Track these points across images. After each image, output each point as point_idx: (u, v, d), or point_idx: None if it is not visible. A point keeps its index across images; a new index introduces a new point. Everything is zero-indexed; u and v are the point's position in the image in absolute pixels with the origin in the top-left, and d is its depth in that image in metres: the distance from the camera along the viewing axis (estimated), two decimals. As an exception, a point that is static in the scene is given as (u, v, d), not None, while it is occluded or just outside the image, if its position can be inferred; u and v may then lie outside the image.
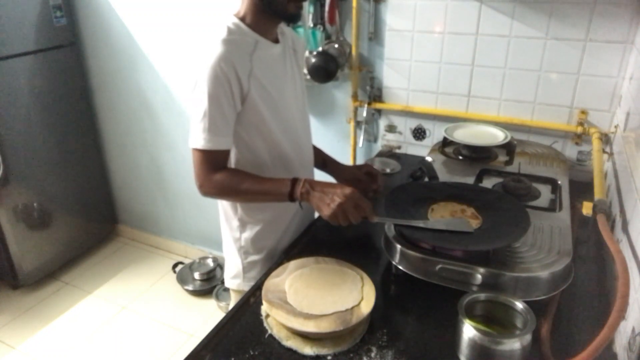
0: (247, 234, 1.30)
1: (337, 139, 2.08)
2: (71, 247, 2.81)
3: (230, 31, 1.11)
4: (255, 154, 1.20)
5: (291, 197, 1.12)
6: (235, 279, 1.36)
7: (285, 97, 1.22)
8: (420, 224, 1.08)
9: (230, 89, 1.08)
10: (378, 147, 2.00)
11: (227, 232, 1.34)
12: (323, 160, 1.45)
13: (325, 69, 1.81)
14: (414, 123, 1.89)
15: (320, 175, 1.39)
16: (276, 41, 1.21)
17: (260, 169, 1.21)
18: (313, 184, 1.11)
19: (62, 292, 2.63)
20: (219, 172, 1.13)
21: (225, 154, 1.15)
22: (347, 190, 1.08)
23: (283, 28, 1.26)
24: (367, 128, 1.98)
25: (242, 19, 1.15)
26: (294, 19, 1.16)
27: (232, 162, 1.21)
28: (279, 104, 1.20)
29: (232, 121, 1.13)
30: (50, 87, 2.50)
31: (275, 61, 1.20)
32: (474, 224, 1.07)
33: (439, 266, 1.01)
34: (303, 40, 1.65)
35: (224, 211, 1.32)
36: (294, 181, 1.12)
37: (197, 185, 1.15)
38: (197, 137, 1.10)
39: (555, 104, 1.61)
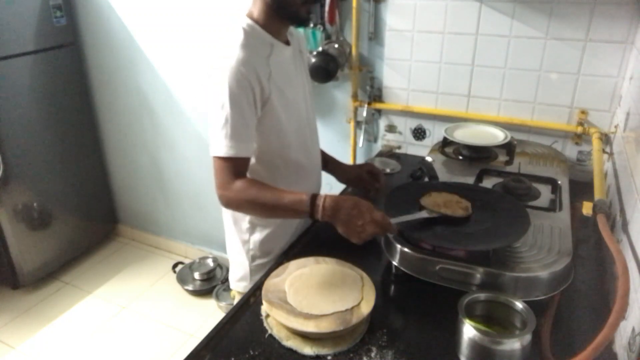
0: (257, 236, 1.28)
1: (337, 139, 2.08)
2: (71, 247, 2.81)
3: (246, 34, 1.10)
4: (267, 156, 1.19)
5: (312, 217, 1.06)
6: (241, 282, 1.35)
7: (297, 100, 1.22)
8: (425, 214, 1.10)
9: (253, 93, 1.06)
10: (378, 147, 2.00)
11: (235, 235, 1.31)
12: (324, 160, 1.43)
13: (325, 69, 1.81)
14: (414, 123, 1.89)
15: (322, 175, 1.40)
16: (287, 43, 1.21)
17: (270, 171, 1.19)
18: (336, 206, 1.03)
19: (62, 292, 2.63)
20: (239, 180, 1.08)
21: (247, 161, 1.12)
22: (377, 215, 1.02)
23: (290, 28, 1.26)
24: (367, 128, 1.98)
25: (255, 21, 1.13)
26: (304, 22, 1.16)
27: None
28: (293, 106, 1.19)
29: (253, 127, 1.10)
30: (50, 87, 2.50)
31: (288, 63, 1.20)
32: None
33: (439, 266, 1.02)
34: (304, 37, 1.65)
35: (233, 214, 1.29)
36: (313, 198, 1.05)
37: (218, 194, 1.09)
38: (219, 145, 1.06)
39: (555, 104, 1.61)
